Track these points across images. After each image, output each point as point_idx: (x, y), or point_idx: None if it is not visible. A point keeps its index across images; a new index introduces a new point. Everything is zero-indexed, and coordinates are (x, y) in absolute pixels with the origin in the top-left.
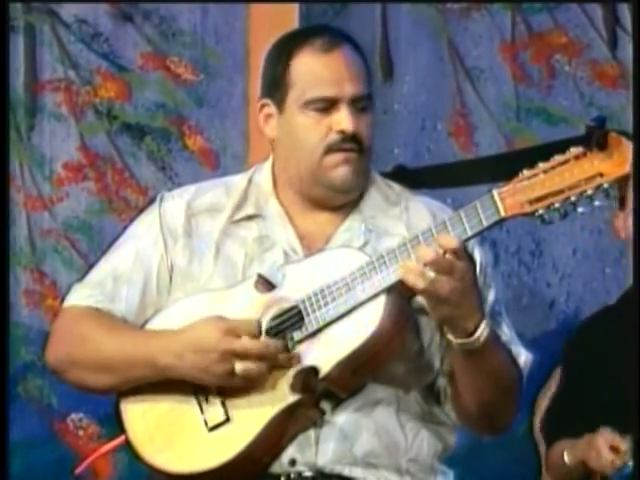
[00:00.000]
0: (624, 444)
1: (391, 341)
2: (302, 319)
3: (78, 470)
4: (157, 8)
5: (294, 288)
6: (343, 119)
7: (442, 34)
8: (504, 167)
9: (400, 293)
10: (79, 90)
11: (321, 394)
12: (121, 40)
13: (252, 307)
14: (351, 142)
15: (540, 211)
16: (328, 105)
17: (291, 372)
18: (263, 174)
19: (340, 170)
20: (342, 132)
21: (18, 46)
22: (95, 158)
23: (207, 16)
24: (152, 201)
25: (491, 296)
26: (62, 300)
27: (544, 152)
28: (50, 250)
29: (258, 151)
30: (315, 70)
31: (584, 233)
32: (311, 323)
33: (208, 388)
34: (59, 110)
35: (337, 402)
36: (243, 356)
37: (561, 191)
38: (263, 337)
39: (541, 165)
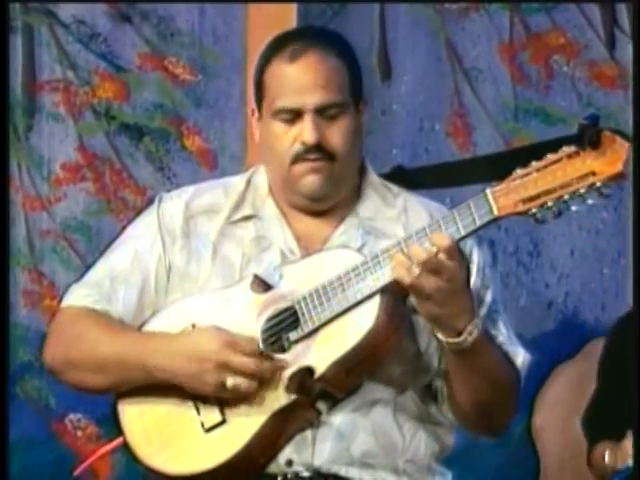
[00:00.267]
0: None
1: (386, 340)
2: (298, 319)
3: (77, 472)
4: (155, 8)
5: (290, 288)
6: (305, 130)
7: (440, 34)
8: (502, 166)
9: (395, 293)
10: (77, 90)
11: (317, 394)
12: (119, 40)
13: (248, 308)
14: (316, 152)
15: (533, 210)
16: (293, 116)
17: (287, 373)
18: (260, 176)
19: (308, 179)
20: (304, 143)
21: (16, 46)
22: (93, 158)
23: (205, 16)
24: (150, 201)
25: (489, 296)
26: (60, 300)
27: (544, 150)
28: (48, 250)
29: (256, 152)
30: (281, 80)
31: (582, 233)
32: (307, 323)
33: None
34: (57, 110)
35: (334, 402)
36: (237, 372)
37: (554, 190)
38: (261, 344)
39: (534, 164)
